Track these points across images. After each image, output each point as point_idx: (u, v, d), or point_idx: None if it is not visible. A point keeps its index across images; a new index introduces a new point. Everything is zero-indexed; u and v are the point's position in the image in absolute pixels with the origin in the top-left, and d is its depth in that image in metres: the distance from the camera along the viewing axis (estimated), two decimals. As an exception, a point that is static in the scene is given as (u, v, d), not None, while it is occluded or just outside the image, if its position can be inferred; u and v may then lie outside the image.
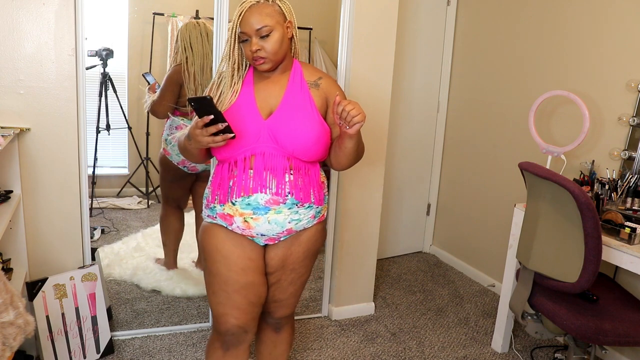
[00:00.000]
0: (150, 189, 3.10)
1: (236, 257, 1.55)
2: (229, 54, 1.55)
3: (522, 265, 2.10)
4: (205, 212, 1.61)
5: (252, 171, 1.49)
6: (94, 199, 2.96)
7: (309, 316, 2.72)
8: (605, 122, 2.43)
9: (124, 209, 3.10)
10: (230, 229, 1.55)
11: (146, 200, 3.13)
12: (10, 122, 2.01)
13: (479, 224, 3.31)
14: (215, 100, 1.50)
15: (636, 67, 2.29)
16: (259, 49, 1.47)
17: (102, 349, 2.22)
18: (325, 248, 2.67)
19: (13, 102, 2.01)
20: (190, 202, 2.85)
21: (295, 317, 2.67)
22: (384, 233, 3.36)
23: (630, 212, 2.05)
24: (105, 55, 2.75)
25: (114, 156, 3.05)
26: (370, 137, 2.55)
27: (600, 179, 2.26)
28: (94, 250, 2.32)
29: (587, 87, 2.52)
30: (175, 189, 2.76)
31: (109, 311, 2.36)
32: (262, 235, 1.56)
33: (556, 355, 2.47)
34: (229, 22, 1.83)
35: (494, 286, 3.19)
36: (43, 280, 2.08)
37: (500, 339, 2.49)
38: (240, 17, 1.47)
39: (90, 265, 2.23)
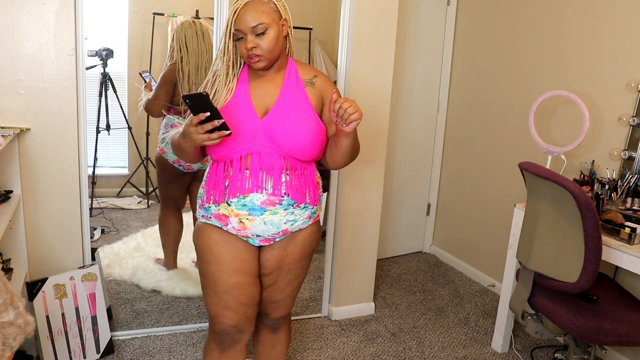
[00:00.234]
0: (150, 189, 3.10)
1: (229, 258, 1.54)
2: (224, 52, 1.53)
3: (522, 265, 2.10)
4: (199, 212, 1.60)
5: (248, 171, 1.48)
6: (94, 199, 2.96)
7: (309, 316, 2.72)
8: (605, 122, 2.43)
9: (124, 209, 3.10)
10: (225, 229, 1.55)
11: (146, 200, 3.13)
12: (10, 122, 2.01)
13: (479, 224, 3.31)
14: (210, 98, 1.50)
15: (636, 67, 2.29)
16: (254, 47, 1.45)
17: (102, 349, 2.22)
18: (325, 248, 2.67)
19: (13, 102, 2.01)
20: (188, 202, 2.85)
21: (295, 317, 2.67)
22: (384, 233, 3.36)
23: (630, 212, 2.05)
24: (105, 55, 2.75)
25: (114, 156, 3.05)
26: (370, 137, 2.55)
27: (600, 179, 2.26)
28: (94, 250, 2.32)
29: (587, 87, 2.52)
30: (173, 189, 2.76)
31: (109, 311, 2.36)
32: (257, 236, 1.55)
33: (556, 355, 2.47)
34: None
35: (494, 286, 3.19)
36: (43, 280, 2.08)
37: (500, 339, 2.49)
38: (236, 15, 1.45)
39: (90, 265, 2.23)
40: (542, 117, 2.73)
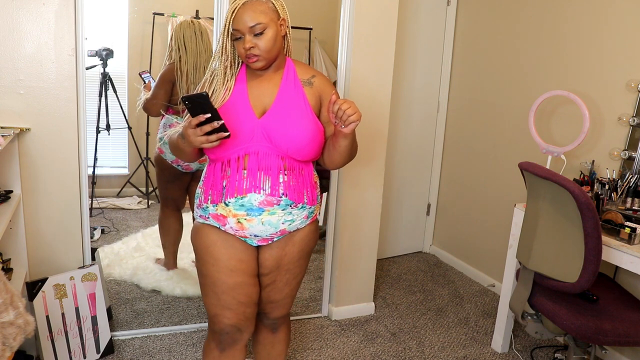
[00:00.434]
0: (150, 189, 3.10)
1: (226, 258, 1.54)
2: (222, 51, 1.52)
3: (522, 265, 2.10)
4: (197, 212, 1.60)
5: (245, 171, 1.47)
6: (94, 199, 2.96)
7: (309, 316, 2.72)
8: (605, 122, 2.43)
9: (124, 209, 3.10)
10: (223, 229, 1.55)
11: (146, 200, 3.13)
12: (10, 122, 2.01)
13: (479, 224, 3.31)
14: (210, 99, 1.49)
15: (636, 67, 2.29)
16: (252, 47, 1.45)
17: (102, 349, 2.22)
18: (325, 248, 2.67)
19: (13, 102, 2.01)
20: (188, 202, 2.85)
21: (295, 317, 2.67)
22: (384, 233, 3.36)
23: (630, 212, 2.05)
24: (105, 55, 2.75)
25: (114, 156, 3.05)
26: (370, 137, 2.55)
27: (600, 179, 2.26)
28: (94, 250, 2.32)
29: (587, 87, 2.52)
30: (172, 190, 2.76)
31: (109, 311, 2.36)
32: (255, 236, 1.55)
33: (556, 355, 2.47)
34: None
35: (494, 286, 3.19)
36: (43, 280, 2.08)
37: (500, 339, 2.49)
38: (234, 14, 1.45)
39: (90, 265, 2.23)
40: (542, 117, 2.73)
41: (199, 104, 1.33)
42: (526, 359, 2.47)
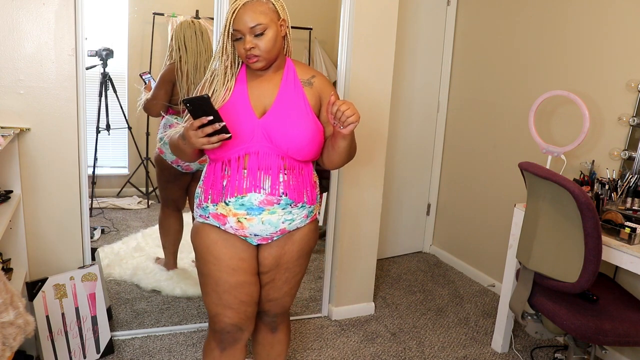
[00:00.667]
0: (150, 189, 3.10)
1: (228, 257, 1.54)
2: (222, 52, 1.53)
3: (522, 265, 2.10)
4: (197, 212, 1.60)
5: (245, 171, 1.48)
6: (94, 199, 2.96)
7: (309, 316, 2.72)
8: (605, 122, 2.43)
9: (124, 209, 3.10)
10: (223, 228, 1.55)
11: (146, 200, 3.13)
12: (10, 122, 2.01)
13: (479, 224, 3.31)
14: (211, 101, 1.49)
15: (636, 67, 2.29)
16: (252, 47, 1.46)
17: (102, 349, 2.22)
18: (325, 248, 2.67)
19: (13, 102, 2.01)
20: (188, 202, 2.85)
21: (295, 317, 2.67)
22: (384, 233, 3.36)
23: (630, 212, 2.05)
24: (105, 55, 2.75)
25: (114, 156, 3.05)
26: (370, 137, 2.55)
27: (600, 179, 2.26)
28: (94, 250, 2.32)
29: (587, 87, 2.52)
30: (172, 190, 2.76)
31: (109, 311, 2.36)
32: (255, 235, 1.55)
33: (556, 355, 2.47)
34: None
35: (494, 286, 3.19)
36: (43, 280, 2.08)
37: (500, 339, 2.49)
38: (234, 15, 1.45)
39: (90, 265, 2.23)
40: (542, 117, 2.73)
41: (200, 106, 1.33)
42: (526, 359, 2.47)
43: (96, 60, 2.73)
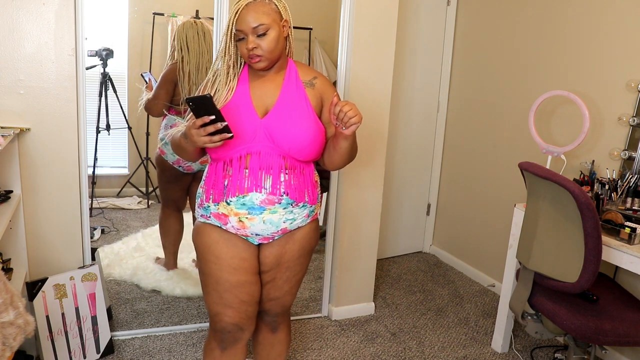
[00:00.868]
0: (150, 189, 3.10)
1: (229, 257, 1.55)
2: (225, 52, 1.54)
3: (522, 265, 2.10)
4: (198, 212, 1.61)
5: (247, 170, 1.48)
6: (94, 199, 2.96)
7: (309, 316, 2.72)
8: (605, 122, 2.43)
9: (124, 209, 3.10)
10: (224, 228, 1.55)
11: (146, 200, 3.13)
12: (10, 122, 2.01)
13: (479, 224, 3.31)
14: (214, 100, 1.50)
15: (636, 67, 2.29)
16: (255, 47, 1.46)
17: (102, 349, 2.22)
18: (325, 248, 2.67)
19: (13, 102, 2.01)
20: (188, 202, 2.85)
21: (295, 317, 2.67)
22: (384, 233, 3.36)
23: (630, 212, 2.05)
24: (105, 55, 2.75)
25: (114, 156, 3.05)
26: (370, 137, 2.55)
27: (600, 179, 2.26)
28: (94, 250, 2.32)
29: (587, 87, 2.52)
30: (173, 190, 2.76)
31: (109, 311, 2.36)
32: (256, 234, 1.56)
33: (556, 355, 2.47)
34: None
35: (494, 286, 3.19)
36: (43, 280, 2.08)
37: (500, 339, 2.49)
38: (237, 15, 1.46)
39: (90, 265, 2.23)
40: (542, 117, 2.73)
41: (203, 105, 1.34)
42: (526, 359, 2.47)
43: (96, 60, 2.73)
